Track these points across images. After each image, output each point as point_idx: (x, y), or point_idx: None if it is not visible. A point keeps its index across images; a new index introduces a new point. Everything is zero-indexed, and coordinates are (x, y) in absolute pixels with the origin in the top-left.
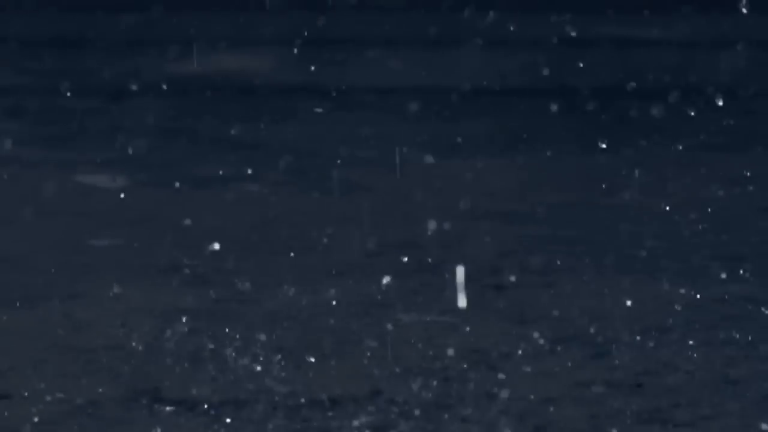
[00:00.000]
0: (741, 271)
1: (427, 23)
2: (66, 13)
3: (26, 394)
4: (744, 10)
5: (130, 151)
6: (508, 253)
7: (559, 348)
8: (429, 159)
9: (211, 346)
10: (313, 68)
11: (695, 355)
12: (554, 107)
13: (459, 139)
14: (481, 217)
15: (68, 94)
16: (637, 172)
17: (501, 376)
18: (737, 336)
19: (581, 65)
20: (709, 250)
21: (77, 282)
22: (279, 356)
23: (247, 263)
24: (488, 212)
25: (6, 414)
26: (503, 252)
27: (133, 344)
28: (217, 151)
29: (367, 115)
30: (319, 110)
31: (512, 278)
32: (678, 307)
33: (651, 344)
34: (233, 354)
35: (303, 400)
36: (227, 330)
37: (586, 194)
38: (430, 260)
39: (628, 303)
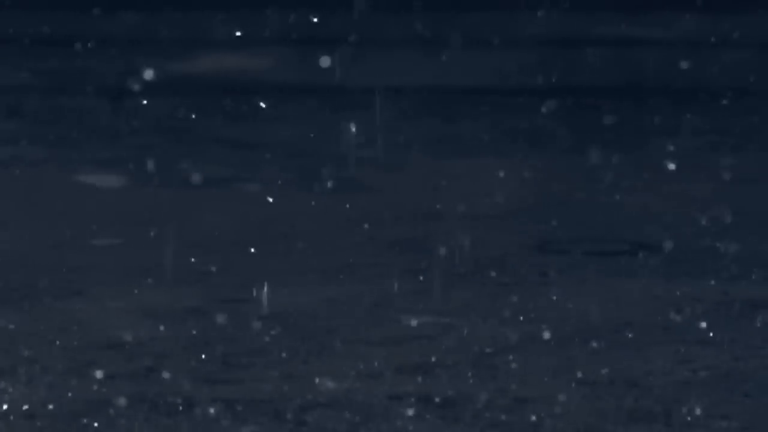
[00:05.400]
0: (742, 271)
1: (427, 23)
2: (66, 13)
3: (26, 393)
4: (744, 10)
5: (130, 151)
6: (508, 253)
7: (558, 347)
8: (429, 159)
9: (211, 345)
10: (313, 68)
11: (694, 354)
12: (554, 107)
13: (459, 139)
14: (481, 217)
15: (68, 94)
16: (637, 171)
17: (501, 375)
18: (737, 336)
19: (581, 65)
20: (710, 249)
21: (77, 282)
22: (279, 356)
23: (246, 263)
24: (488, 212)
25: (5, 413)
26: (503, 252)
27: (133, 344)
28: (217, 151)
29: (367, 115)
30: (319, 110)
31: (512, 278)
32: (678, 307)
33: (650, 344)
34: (233, 354)
35: (303, 400)
36: (227, 330)
37: (586, 194)
38: (430, 260)
39: (628, 302)
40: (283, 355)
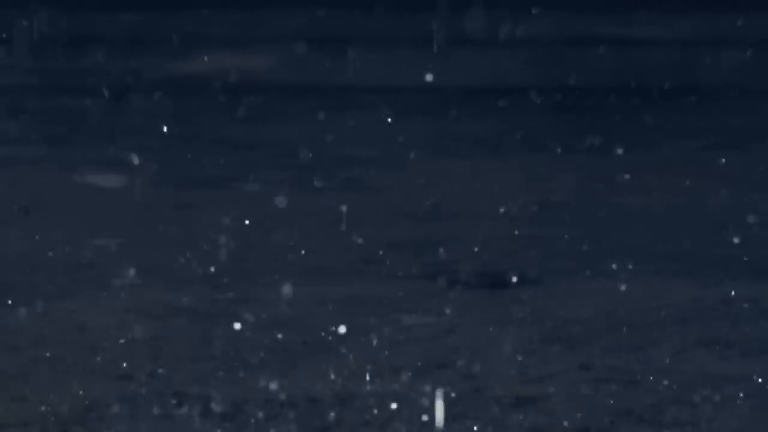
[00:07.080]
0: (742, 271)
1: (427, 23)
2: (66, 13)
3: (27, 393)
4: (744, 10)
5: (130, 151)
6: (508, 253)
7: (558, 348)
8: (429, 159)
9: (211, 345)
10: (313, 68)
11: (694, 354)
12: (554, 107)
13: (459, 139)
14: (481, 218)
15: (68, 94)
16: (637, 171)
17: (500, 375)
18: (738, 336)
19: (581, 65)
20: (710, 249)
21: (77, 282)
22: (279, 356)
23: (247, 263)
24: (488, 212)
25: (5, 413)
26: (503, 252)
27: (133, 344)
28: (217, 151)
29: (367, 115)
30: (319, 110)
31: (512, 278)
32: (678, 307)
33: (650, 344)
34: (233, 354)
35: (303, 400)
36: (227, 330)
37: (585, 194)
38: (429, 260)
39: (628, 302)
40: (283, 355)
